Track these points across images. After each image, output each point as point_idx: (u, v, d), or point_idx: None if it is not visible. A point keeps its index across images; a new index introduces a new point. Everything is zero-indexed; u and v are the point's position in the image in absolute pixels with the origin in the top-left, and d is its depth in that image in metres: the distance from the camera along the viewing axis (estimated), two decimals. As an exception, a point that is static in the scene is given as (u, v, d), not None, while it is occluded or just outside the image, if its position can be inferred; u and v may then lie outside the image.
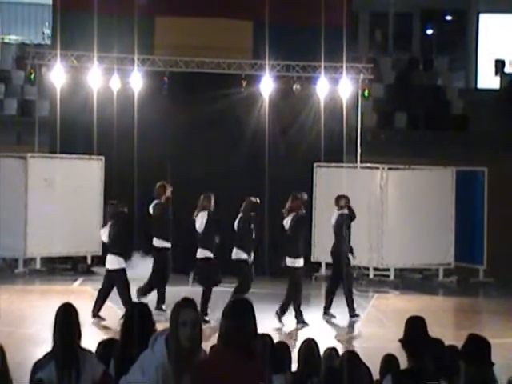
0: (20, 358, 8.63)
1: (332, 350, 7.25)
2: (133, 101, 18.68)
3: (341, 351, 6.97)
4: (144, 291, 14.44)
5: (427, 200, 19.25)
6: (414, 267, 19.87)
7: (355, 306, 14.81)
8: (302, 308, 14.05)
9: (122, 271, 13.85)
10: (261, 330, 5.27)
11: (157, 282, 14.49)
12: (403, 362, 6.06)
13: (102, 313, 13.96)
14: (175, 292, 14.27)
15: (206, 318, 13.08)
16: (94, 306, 13.82)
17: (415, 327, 5.83)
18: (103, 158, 19.30)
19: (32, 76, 19.58)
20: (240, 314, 4.98)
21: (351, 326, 14.48)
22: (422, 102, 24.18)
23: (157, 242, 14.61)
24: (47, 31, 26.15)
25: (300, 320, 14.00)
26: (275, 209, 16.15)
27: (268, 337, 6.88)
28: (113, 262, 13.87)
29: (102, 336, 7.14)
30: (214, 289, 13.93)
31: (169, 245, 14.66)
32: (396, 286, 18.75)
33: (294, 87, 19.36)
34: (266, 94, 19.35)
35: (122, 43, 18.69)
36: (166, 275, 14.60)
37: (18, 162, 18.80)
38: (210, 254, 14.03)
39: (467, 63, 28.13)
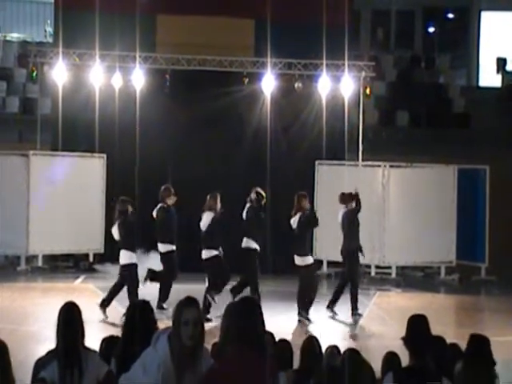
0: (22, 355, 8.65)
1: (333, 348, 7.25)
2: (135, 99, 18.68)
3: (342, 349, 6.97)
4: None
5: (429, 198, 19.25)
6: (416, 265, 19.87)
7: (358, 305, 14.84)
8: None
9: (134, 266, 13.91)
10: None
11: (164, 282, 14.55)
12: (405, 360, 6.07)
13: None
14: (181, 290, 14.33)
15: (208, 316, 13.09)
16: (104, 300, 13.87)
17: (417, 325, 5.84)
18: (105, 155, 19.31)
19: (34, 74, 19.59)
20: (248, 313, 5.01)
21: (353, 323, 14.49)
22: (424, 99, 24.19)
23: (162, 248, 14.60)
24: (49, 29, 26.16)
25: (304, 316, 14.02)
26: (277, 206, 16.18)
27: (270, 334, 6.89)
28: (124, 256, 13.97)
29: (105, 334, 7.15)
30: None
31: (173, 247, 14.65)
32: (398, 284, 18.77)
33: (296, 85, 19.36)
34: (267, 92, 19.34)
35: (124, 41, 18.69)
36: (174, 276, 14.61)
37: (20, 160, 18.82)
38: (215, 253, 14.06)
39: (469, 61, 28.13)
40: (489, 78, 27.42)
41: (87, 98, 19.06)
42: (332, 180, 19.06)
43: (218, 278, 14.03)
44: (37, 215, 18.58)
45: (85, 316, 6.06)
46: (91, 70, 19.04)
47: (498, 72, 26.82)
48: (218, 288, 13.93)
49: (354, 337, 13.63)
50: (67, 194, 18.89)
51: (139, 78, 19.01)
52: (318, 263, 19.21)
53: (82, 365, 5.83)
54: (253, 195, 14.52)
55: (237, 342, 4.96)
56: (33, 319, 13.75)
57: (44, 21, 27.60)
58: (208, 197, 14.26)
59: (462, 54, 28.40)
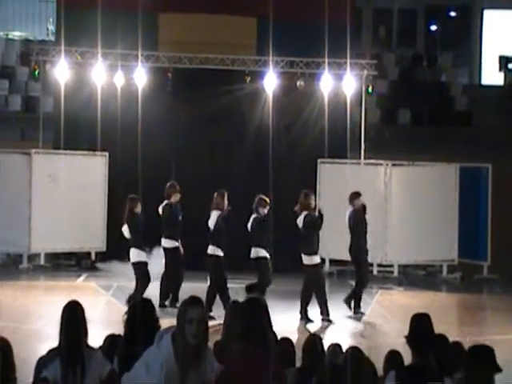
0: (25, 353, 8.65)
1: (336, 346, 7.26)
2: (137, 97, 18.69)
3: (344, 347, 6.98)
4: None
5: (431, 196, 19.24)
6: (418, 263, 19.86)
7: (361, 303, 14.86)
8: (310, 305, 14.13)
9: (143, 264, 13.94)
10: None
11: (167, 280, 14.54)
12: (407, 359, 6.07)
13: (105, 310, 14.00)
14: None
15: (211, 314, 13.11)
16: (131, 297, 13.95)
17: (420, 324, 5.84)
18: (107, 154, 19.31)
19: (36, 72, 19.59)
20: (255, 314, 5.03)
21: (355, 322, 14.49)
22: (426, 98, 24.18)
23: (166, 243, 14.59)
24: (51, 27, 26.17)
25: (304, 316, 14.03)
26: (279, 205, 16.17)
27: (272, 333, 6.90)
28: (133, 254, 14.08)
29: (107, 332, 7.16)
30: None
31: (178, 244, 14.65)
32: (400, 283, 18.76)
33: (298, 83, 19.36)
34: (269, 90, 19.35)
35: (126, 39, 18.68)
36: (180, 274, 14.58)
37: (22, 158, 18.82)
38: (220, 253, 14.07)
39: (471, 59, 28.10)
40: (491, 76, 27.39)
41: (89, 96, 19.07)
42: (334, 178, 19.07)
43: (219, 277, 14.02)
44: (39, 213, 18.58)
45: (87, 314, 6.07)
46: (93, 69, 19.05)
47: (500, 70, 26.79)
48: (220, 290, 13.92)
49: (356, 335, 13.62)
50: (69, 193, 18.90)
51: (141, 77, 19.01)
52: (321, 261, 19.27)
53: (84, 363, 5.83)
54: (263, 210, 14.42)
55: (243, 341, 4.97)
56: (35, 317, 13.76)
57: (46, 19, 27.59)
58: (215, 194, 14.27)
59: (465, 52, 28.37)
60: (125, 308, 12.36)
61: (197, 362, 5.04)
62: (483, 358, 5.33)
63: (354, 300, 14.76)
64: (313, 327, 13.65)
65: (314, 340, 7.10)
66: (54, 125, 19.51)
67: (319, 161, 19.53)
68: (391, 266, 19.36)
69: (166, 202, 14.71)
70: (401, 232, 18.87)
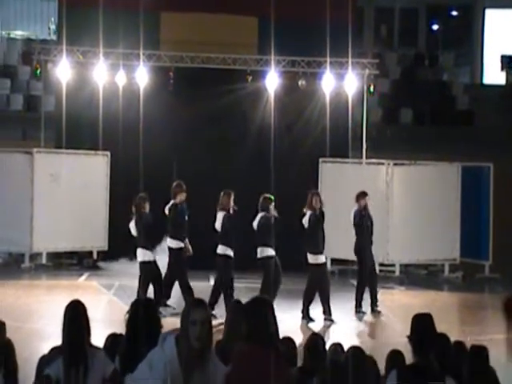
0: (27, 352, 8.66)
1: (337, 346, 7.26)
2: (138, 96, 18.70)
3: (346, 347, 6.98)
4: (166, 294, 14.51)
5: (433, 196, 19.24)
6: (420, 263, 19.86)
7: (362, 303, 14.87)
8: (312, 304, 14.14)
9: (149, 264, 13.91)
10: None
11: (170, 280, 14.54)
12: (409, 358, 6.07)
13: (106, 309, 14.01)
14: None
15: (213, 313, 13.12)
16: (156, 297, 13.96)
17: (422, 324, 5.84)
18: (109, 153, 19.32)
19: (38, 71, 19.60)
20: (261, 313, 5.04)
21: (356, 321, 14.50)
22: (428, 97, 24.18)
23: (172, 243, 14.58)
24: (53, 27, 26.18)
25: (306, 316, 14.04)
26: (280, 204, 16.16)
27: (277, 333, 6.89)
28: (140, 254, 14.05)
29: (109, 331, 7.16)
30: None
31: (183, 244, 14.62)
32: (401, 282, 18.76)
33: (300, 83, 19.36)
34: (271, 90, 19.35)
35: (128, 39, 18.70)
36: (185, 274, 14.57)
37: (24, 158, 18.84)
38: (230, 252, 14.08)
39: (473, 59, 28.10)
40: (493, 75, 27.38)
41: (91, 95, 19.08)
42: (336, 178, 19.07)
43: (227, 277, 14.02)
44: (41, 213, 18.59)
45: (89, 313, 6.08)
46: (95, 68, 19.05)
47: (502, 69, 26.78)
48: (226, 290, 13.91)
49: (357, 334, 13.63)
50: (71, 192, 18.91)
51: (143, 76, 19.03)
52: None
53: (87, 362, 5.84)
54: (273, 210, 14.44)
55: (249, 341, 4.98)
56: (37, 317, 13.78)
57: (48, 18, 27.62)
58: (221, 194, 14.27)
59: (466, 51, 28.37)
60: (126, 307, 12.39)
61: (201, 364, 5.03)
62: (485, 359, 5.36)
63: (356, 298, 14.79)
64: (315, 326, 13.65)
65: (315, 339, 7.09)
66: (55, 124, 19.52)
67: (321, 160, 19.53)
68: (393, 265, 19.35)
69: (172, 201, 14.69)
70: (402, 231, 18.87)
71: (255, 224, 14.40)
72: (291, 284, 15.19)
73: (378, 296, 15.95)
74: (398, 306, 15.81)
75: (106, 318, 13.46)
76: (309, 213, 14.20)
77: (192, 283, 14.29)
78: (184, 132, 19.27)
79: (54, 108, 20.18)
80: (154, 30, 19.63)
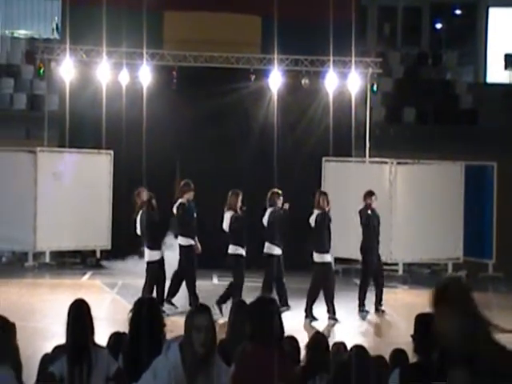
0: (30, 351, 8.66)
1: (340, 345, 7.27)
2: (141, 95, 18.71)
3: (349, 345, 6.98)
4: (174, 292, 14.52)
5: (436, 195, 19.22)
6: (423, 262, 19.86)
7: (365, 301, 14.88)
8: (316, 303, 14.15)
9: (153, 264, 13.89)
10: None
11: (178, 278, 14.53)
12: (412, 357, 6.06)
13: (110, 307, 14.01)
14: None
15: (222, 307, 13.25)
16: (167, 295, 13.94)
17: (426, 323, 5.82)
18: (112, 152, 19.33)
19: (41, 70, 19.62)
20: (266, 313, 5.04)
21: (359, 320, 14.49)
22: (431, 96, 24.15)
23: (183, 241, 14.58)
24: (54, 25, 26.18)
25: (309, 314, 14.05)
26: (283, 202, 16.16)
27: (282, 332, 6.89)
28: (146, 254, 14.04)
29: (113, 330, 7.17)
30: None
31: (193, 242, 14.63)
32: (405, 281, 18.75)
33: (303, 81, 19.36)
34: (274, 89, 19.35)
35: (131, 38, 18.70)
36: (193, 273, 14.57)
37: (28, 156, 18.85)
38: (241, 252, 14.08)
39: (476, 58, 28.04)
40: (496, 74, 27.33)
41: (94, 94, 19.09)
42: (339, 177, 19.06)
43: (239, 276, 14.03)
44: (44, 211, 18.61)
45: (92, 312, 6.09)
46: (98, 67, 19.07)
47: (506, 68, 26.73)
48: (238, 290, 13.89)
49: (361, 334, 13.62)
50: (74, 191, 18.92)
51: (146, 75, 19.03)
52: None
53: (91, 361, 5.85)
54: (284, 205, 14.47)
55: (253, 341, 4.98)
56: (40, 315, 13.79)
57: (51, 17, 27.62)
58: (230, 193, 14.28)
59: (470, 50, 28.32)
60: (130, 306, 12.41)
61: (205, 369, 5.03)
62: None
63: (359, 296, 14.79)
64: (318, 325, 13.65)
65: (318, 338, 7.10)
66: (59, 123, 19.54)
67: (324, 159, 19.53)
68: (396, 264, 19.35)
69: (180, 200, 14.69)
70: (406, 230, 18.85)
71: (265, 220, 14.45)
72: (294, 283, 15.17)
73: (382, 295, 15.95)
74: (402, 305, 15.80)
75: (110, 317, 13.47)
76: (316, 212, 14.24)
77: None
78: (187, 131, 19.27)
79: (58, 107, 20.21)
80: (157, 29, 19.64)
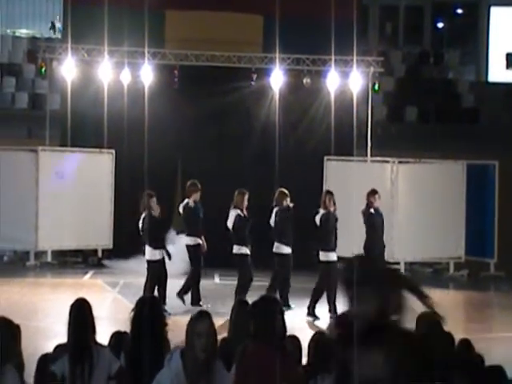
0: (31, 350, 8.67)
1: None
2: (143, 94, 18.70)
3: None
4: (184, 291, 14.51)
5: (438, 194, 19.22)
6: (425, 261, 19.85)
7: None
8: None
9: (153, 263, 13.87)
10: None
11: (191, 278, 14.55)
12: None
13: (111, 307, 14.02)
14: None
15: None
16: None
17: (428, 323, 5.82)
18: (114, 151, 19.33)
19: (43, 70, 19.63)
20: (269, 312, 5.04)
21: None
22: (433, 95, 24.14)
23: (190, 240, 14.59)
24: (58, 25, 26.20)
25: (312, 313, 14.05)
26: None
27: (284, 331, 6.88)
28: (147, 253, 14.01)
29: (114, 329, 7.17)
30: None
31: (200, 242, 14.63)
32: (406, 280, 18.70)
33: (304, 81, 19.36)
34: (276, 88, 19.34)
35: (133, 37, 18.69)
36: (199, 272, 14.59)
37: (29, 156, 18.86)
38: (245, 251, 14.08)
39: (478, 57, 28.04)
40: (498, 73, 27.33)
41: (96, 93, 19.09)
42: (340, 176, 19.04)
43: (246, 276, 14.02)
44: (45, 211, 18.61)
45: (93, 312, 6.09)
46: (100, 66, 19.07)
47: (507, 67, 26.74)
48: (244, 290, 13.87)
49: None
50: (76, 190, 18.93)
51: (148, 74, 19.03)
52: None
53: (92, 360, 5.86)
54: (285, 202, 14.49)
55: (256, 340, 4.98)
56: (42, 315, 13.80)
57: (53, 16, 27.64)
58: (236, 193, 14.29)
59: (471, 49, 28.31)
60: (131, 305, 12.40)
61: (207, 375, 5.04)
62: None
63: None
64: (320, 324, 13.64)
65: (320, 338, 7.09)
66: (60, 122, 19.55)
67: (325, 158, 19.52)
68: (398, 263, 19.32)
69: (186, 200, 14.69)
70: (407, 229, 18.85)
71: (272, 220, 14.48)
72: (297, 282, 15.16)
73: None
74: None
75: (111, 316, 13.47)
76: (322, 211, 14.27)
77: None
78: (189, 130, 19.27)
79: (59, 106, 20.21)
80: (158, 28, 19.63)
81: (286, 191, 14.60)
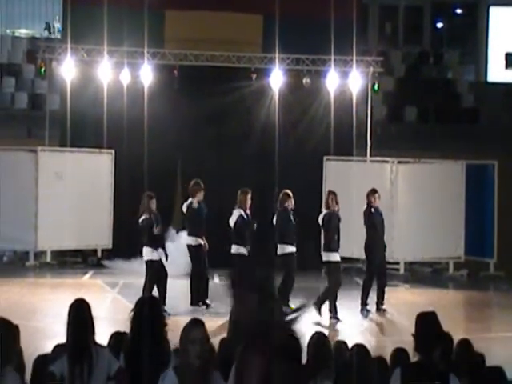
0: (31, 350, 8.67)
1: (342, 344, 7.26)
2: (143, 94, 18.71)
3: (350, 344, 6.98)
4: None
5: (437, 194, 19.22)
6: (424, 261, 19.85)
7: (368, 301, 14.88)
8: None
9: (152, 263, 13.85)
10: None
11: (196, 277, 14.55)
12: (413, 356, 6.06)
13: (111, 307, 14.01)
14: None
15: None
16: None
17: (427, 322, 5.83)
18: (113, 151, 19.33)
19: (42, 70, 19.63)
20: (269, 312, 5.04)
21: (361, 319, 14.49)
22: (432, 95, 24.15)
23: (191, 240, 14.58)
24: (57, 25, 26.21)
25: (333, 315, 14.02)
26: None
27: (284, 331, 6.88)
28: (145, 253, 14.00)
29: (114, 329, 7.17)
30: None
31: (202, 242, 14.61)
32: (406, 280, 18.74)
33: (304, 81, 19.36)
34: (275, 88, 19.35)
35: (132, 37, 18.71)
36: (203, 271, 14.60)
37: (29, 156, 18.86)
38: (243, 251, 14.08)
39: (477, 56, 28.04)
40: (497, 73, 27.34)
41: (95, 93, 19.09)
42: (340, 176, 19.05)
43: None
44: (45, 211, 18.61)
45: (93, 312, 6.08)
46: (99, 66, 19.07)
47: (507, 67, 26.74)
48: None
49: (362, 332, 13.61)
50: (76, 190, 18.93)
51: (147, 74, 19.03)
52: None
53: (92, 361, 5.85)
54: (289, 204, 14.50)
55: (256, 340, 4.97)
56: (41, 315, 13.80)
57: (53, 17, 27.65)
58: (239, 192, 14.30)
59: (471, 49, 28.32)
60: (131, 305, 12.40)
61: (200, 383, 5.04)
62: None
63: (362, 297, 14.77)
64: (319, 324, 13.63)
65: (319, 337, 7.09)
66: (60, 122, 19.55)
67: (325, 158, 19.53)
68: (397, 263, 19.34)
69: (190, 199, 14.68)
70: (407, 229, 18.85)
71: (274, 221, 14.49)
72: (296, 282, 15.16)
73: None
74: (403, 303, 15.79)
75: (111, 317, 13.47)
76: (324, 211, 14.29)
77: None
78: (188, 130, 19.28)
79: (59, 106, 20.21)
80: (158, 28, 19.63)
81: (290, 193, 14.58)
